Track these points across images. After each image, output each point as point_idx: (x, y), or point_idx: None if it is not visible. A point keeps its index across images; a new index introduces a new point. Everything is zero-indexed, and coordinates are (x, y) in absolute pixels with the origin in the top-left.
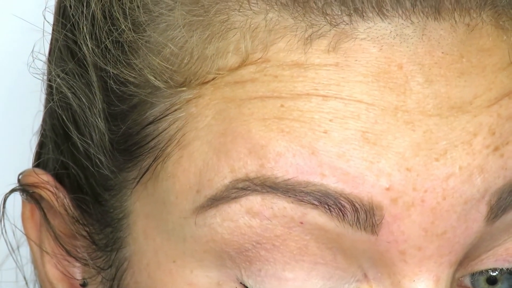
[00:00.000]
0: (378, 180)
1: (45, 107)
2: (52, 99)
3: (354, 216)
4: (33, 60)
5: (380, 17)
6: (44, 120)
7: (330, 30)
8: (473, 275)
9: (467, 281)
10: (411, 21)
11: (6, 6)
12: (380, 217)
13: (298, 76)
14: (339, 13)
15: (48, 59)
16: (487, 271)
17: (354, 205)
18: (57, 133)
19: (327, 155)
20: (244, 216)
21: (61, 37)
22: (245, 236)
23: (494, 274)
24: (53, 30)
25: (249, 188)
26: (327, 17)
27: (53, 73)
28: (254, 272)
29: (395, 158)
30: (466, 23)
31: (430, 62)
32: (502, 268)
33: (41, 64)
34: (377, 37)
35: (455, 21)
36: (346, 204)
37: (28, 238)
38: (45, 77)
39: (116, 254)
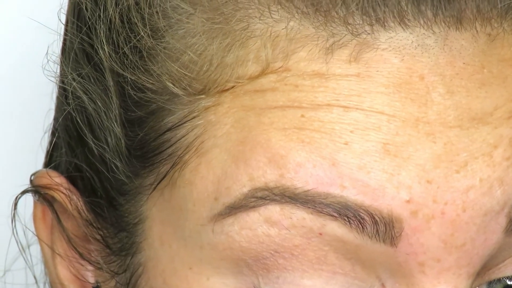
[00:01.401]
0: (398, 192)
1: (57, 107)
2: (67, 102)
3: (374, 229)
4: (47, 62)
5: (402, 27)
6: (56, 120)
7: (352, 40)
8: (490, 283)
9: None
10: (433, 31)
11: (19, 7)
12: (399, 230)
13: (319, 86)
14: (361, 23)
15: (61, 60)
16: (504, 278)
17: (374, 218)
18: (70, 135)
19: (347, 166)
20: (263, 225)
21: (77, 40)
22: (263, 245)
23: (511, 283)
24: (65, 31)
25: (268, 198)
26: (348, 26)
27: (68, 76)
28: (272, 279)
29: (416, 170)
30: (488, 33)
31: (452, 73)
32: None
33: (55, 66)
34: (399, 47)
35: (476, 31)
36: (365, 217)
37: (40, 239)
38: (58, 79)
39: (131, 259)
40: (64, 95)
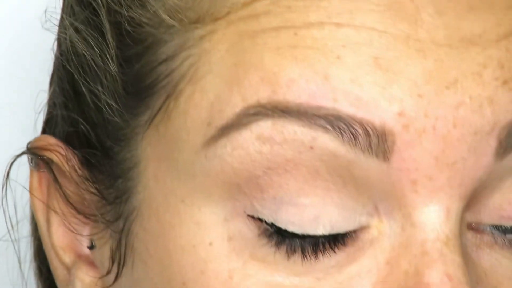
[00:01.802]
0: (391, 105)
1: (50, 81)
2: (63, 57)
3: (366, 141)
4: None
5: None
6: (51, 94)
7: None
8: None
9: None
10: None
11: None
12: (392, 143)
13: (311, 5)
14: None
15: (61, 14)
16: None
17: (366, 130)
18: (67, 96)
19: (340, 80)
20: (255, 143)
21: None
22: (255, 163)
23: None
24: None
25: (260, 113)
26: None
27: (67, 24)
28: (268, 200)
29: (407, 84)
30: None
31: None
32: None
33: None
34: None
35: None
36: (358, 129)
37: (35, 210)
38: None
39: (125, 205)
40: (61, 53)
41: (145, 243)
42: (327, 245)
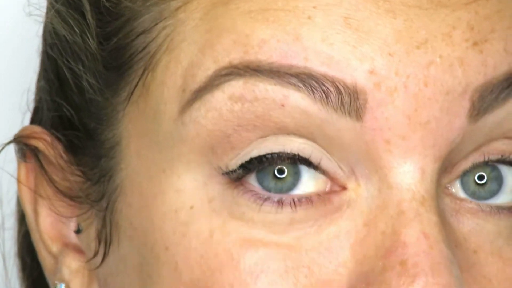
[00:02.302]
0: (362, 63)
1: (40, 69)
2: (47, 43)
3: (338, 100)
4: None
5: None
6: (38, 89)
7: None
8: (462, 177)
9: (457, 186)
10: None
11: None
12: (364, 101)
13: None
14: None
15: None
16: (474, 169)
17: (338, 88)
18: (50, 84)
19: (311, 40)
20: (227, 103)
21: None
22: (227, 122)
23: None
24: None
25: (232, 74)
26: None
27: (49, 7)
28: (238, 154)
29: (377, 43)
30: None
31: None
32: (488, 161)
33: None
34: None
35: None
36: (330, 87)
37: (23, 201)
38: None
39: (109, 183)
40: (45, 39)
41: (129, 218)
42: (303, 200)
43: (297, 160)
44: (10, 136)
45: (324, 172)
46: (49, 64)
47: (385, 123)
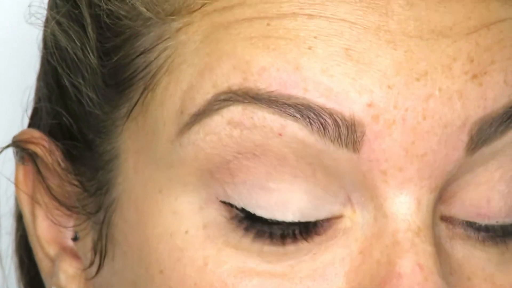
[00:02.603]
0: (360, 96)
1: (41, 70)
2: (47, 51)
3: (336, 132)
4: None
5: None
6: (37, 89)
7: None
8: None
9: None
10: None
11: None
12: (361, 134)
13: None
14: None
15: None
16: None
17: (336, 120)
18: (50, 90)
19: (311, 70)
20: (226, 127)
21: None
22: (226, 148)
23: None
24: None
25: (231, 99)
26: None
27: (49, 17)
28: (238, 185)
29: (377, 75)
30: None
31: None
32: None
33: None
34: None
35: None
36: (327, 119)
37: (21, 202)
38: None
39: (105, 196)
40: (45, 46)
41: (124, 233)
42: (298, 234)
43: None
44: (10, 135)
45: None
46: (49, 69)
47: (382, 155)
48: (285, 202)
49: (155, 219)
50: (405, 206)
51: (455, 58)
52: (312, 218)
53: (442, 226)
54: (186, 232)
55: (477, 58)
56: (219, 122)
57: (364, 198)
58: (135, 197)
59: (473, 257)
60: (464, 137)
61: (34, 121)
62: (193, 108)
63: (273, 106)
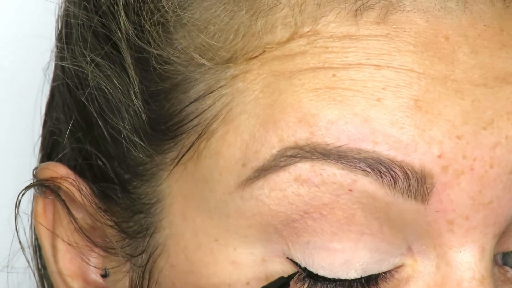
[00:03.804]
0: (430, 147)
1: (50, 106)
2: (70, 85)
3: (406, 184)
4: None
5: None
6: (52, 119)
7: (378, 2)
8: (504, 254)
9: (498, 258)
10: None
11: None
12: (431, 185)
13: (349, 46)
14: None
15: (64, 50)
16: None
17: (406, 173)
18: (77, 127)
19: (380, 122)
20: (293, 184)
21: (92, 23)
22: (292, 206)
23: None
24: (65, 15)
25: (298, 155)
26: None
27: (77, 54)
28: (302, 245)
29: (446, 126)
30: None
31: (474, 34)
32: None
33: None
34: (423, 9)
35: None
36: (398, 171)
37: (40, 236)
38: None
39: (150, 240)
40: (68, 85)
41: (171, 279)
42: (360, 287)
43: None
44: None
45: None
46: (73, 103)
47: (450, 205)
48: (349, 262)
49: (210, 268)
50: (470, 254)
51: None
52: (374, 272)
53: (495, 270)
54: (247, 283)
55: None
56: (285, 179)
57: (425, 247)
58: (185, 244)
59: None
60: None
61: (55, 154)
62: (257, 162)
63: (343, 162)
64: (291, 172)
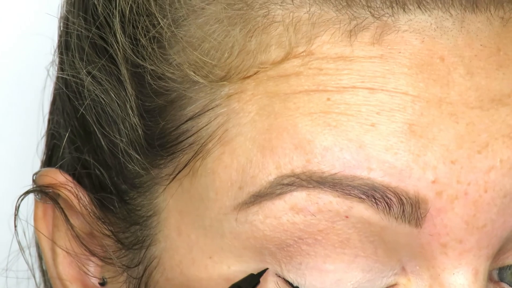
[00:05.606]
0: (424, 173)
1: (54, 108)
2: (75, 99)
3: (400, 209)
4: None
5: (421, 10)
6: (53, 122)
7: (373, 22)
8: (500, 269)
9: (494, 274)
10: (450, 13)
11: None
12: (425, 210)
13: (343, 69)
14: (381, 5)
15: (61, 57)
16: None
17: (401, 199)
18: (76, 134)
19: (374, 148)
20: (288, 213)
21: (90, 34)
22: (287, 233)
23: None
24: (64, 24)
25: (294, 184)
26: (369, 9)
27: (77, 66)
28: (294, 266)
29: (440, 150)
30: (501, 16)
31: (470, 54)
32: None
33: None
34: (419, 29)
35: (491, 14)
36: (392, 198)
37: (40, 239)
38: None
39: (145, 252)
40: (67, 93)
41: None
42: None
43: None
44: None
45: None
46: (72, 111)
47: (443, 229)
48: (340, 281)
49: (204, 284)
50: (463, 277)
51: None
52: None
53: (490, 286)
54: None
55: None
56: (281, 207)
57: (419, 267)
58: (180, 259)
59: None
60: None
61: (54, 158)
62: (253, 187)
63: (337, 189)
64: (286, 201)
